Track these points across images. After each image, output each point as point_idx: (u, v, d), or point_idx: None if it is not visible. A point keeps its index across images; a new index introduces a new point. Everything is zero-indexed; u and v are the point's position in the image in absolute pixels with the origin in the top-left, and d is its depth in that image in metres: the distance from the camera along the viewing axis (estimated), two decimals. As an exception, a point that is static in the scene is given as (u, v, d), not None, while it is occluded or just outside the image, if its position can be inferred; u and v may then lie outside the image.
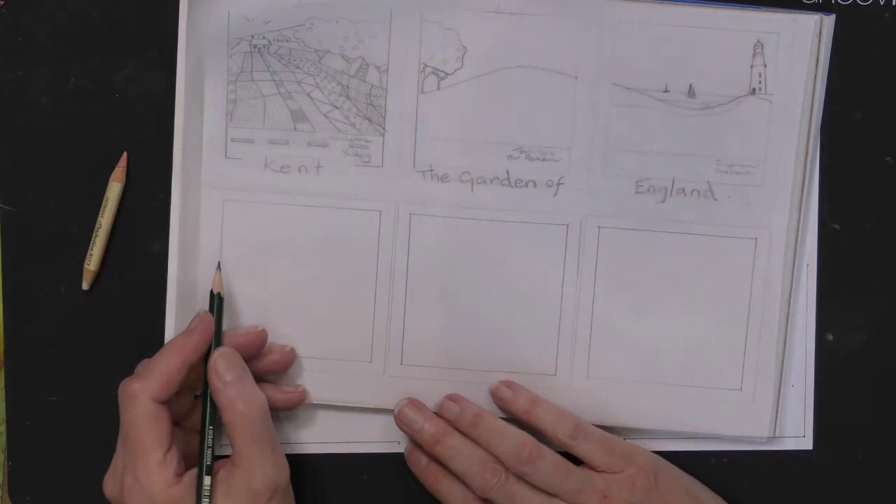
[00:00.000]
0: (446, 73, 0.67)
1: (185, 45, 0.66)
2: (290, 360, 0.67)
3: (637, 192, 0.68)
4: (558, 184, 0.67)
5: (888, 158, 0.69)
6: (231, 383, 0.62)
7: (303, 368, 0.68)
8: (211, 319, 0.64)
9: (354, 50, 0.66)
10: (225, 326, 0.66)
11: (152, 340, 0.68)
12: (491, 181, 0.67)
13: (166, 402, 0.62)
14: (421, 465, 0.67)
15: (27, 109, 0.68)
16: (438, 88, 0.67)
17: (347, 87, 0.67)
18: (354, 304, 0.68)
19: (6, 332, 0.69)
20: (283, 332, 0.68)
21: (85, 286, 0.68)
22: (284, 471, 0.63)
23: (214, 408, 0.63)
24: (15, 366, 0.69)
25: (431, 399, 0.68)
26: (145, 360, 0.63)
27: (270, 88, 0.67)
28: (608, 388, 0.68)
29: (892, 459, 0.70)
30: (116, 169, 0.68)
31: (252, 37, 0.66)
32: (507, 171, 0.67)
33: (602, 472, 0.65)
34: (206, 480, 0.61)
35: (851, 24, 0.67)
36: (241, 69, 0.66)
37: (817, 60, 0.67)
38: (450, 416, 0.66)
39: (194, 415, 0.66)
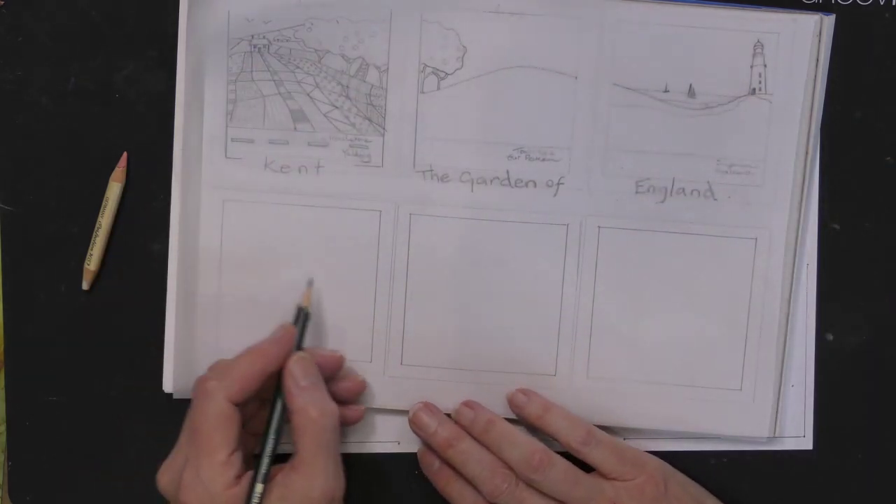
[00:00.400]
0: (446, 73, 0.67)
1: (185, 45, 0.66)
2: (361, 388, 0.67)
3: (637, 192, 0.68)
4: (558, 184, 0.67)
5: (888, 158, 0.69)
6: (306, 389, 0.62)
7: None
8: (294, 332, 0.64)
9: (354, 50, 0.66)
10: (227, 328, 0.66)
11: (152, 340, 0.68)
12: (491, 181, 0.67)
13: (238, 405, 0.62)
14: (433, 468, 0.67)
15: (27, 109, 0.68)
16: (438, 88, 0.67)
17: (347, 87, 0.67)
18: (354, 304, 0.68)
19: (6, 332, 0.69)
20: (283, 332, 0.68)
21: (85, 286, 0.68)
22: (342, 485, 0.62)
23: (282, 416, 0.63)
24: (15, 366, 0.69)
25: (431, 399, 0.68)
26: (223, 360, 0.63)
27: (270, 88, 0.67)
28: (608, 388, 0.68)
29: (892, 459, 0.70)
30: (116, 169, 0.68)
31: (252, 37, 0.66)
32: (507, 171, 0.67)
33: (612, 479, 0.65)
34: (259, 488, 0.60)
35: (851, 24, 0.68)
36: (241, 69, 0.66)
37: (817, 60, 0.67)
38: (464, 421, 0.67)
39: (256, 419, 0.65)
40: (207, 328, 0.67)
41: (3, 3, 0.67)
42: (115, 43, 0.68)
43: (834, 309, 0.69)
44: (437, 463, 0.67)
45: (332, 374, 0.66)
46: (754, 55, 0.67)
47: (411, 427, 0.67)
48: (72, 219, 0.68)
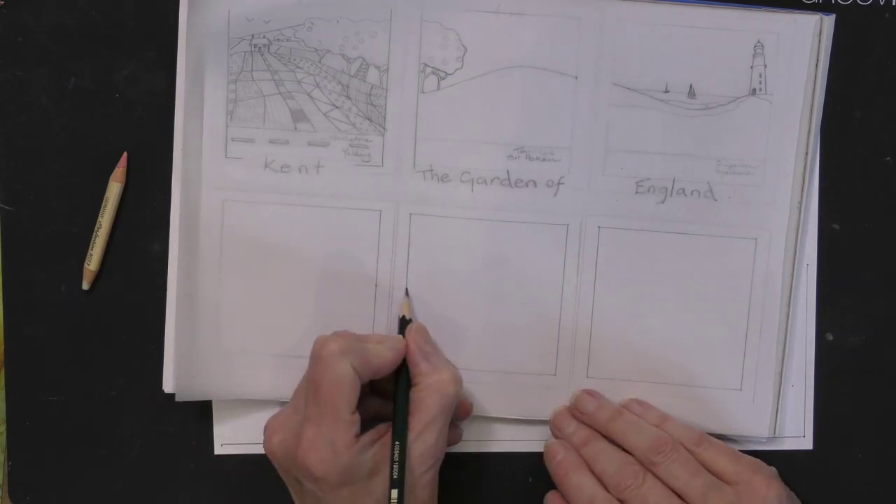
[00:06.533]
0: (446, 73, 0.67)
1: (185, 45, 0.66)
2: (469, 411, 0.68)
3: (637, 192, 0.68)
4: (558, 184, 0.67)
5: (888, 158, 0.69)
6: (431, 353, 0.65)
7: (303, 369, 0.68)
8: (405, 343, 0.65)
9: (355, 50, 0.66)
10: (227, 328, 0.66)
11: (152, 340, 0.68)
12: (491, 181, 0.67)
13: None
14: (556, 459, 0.67)
15: (27, 109, 0.68)
16: (438, 88, 0.67)
17: (348, 86, 0.67)
18: (354, 304, 0.68)
19: (6, 332, 0.69)
20: (283, 333, 0.68)
21: (85, 286, 0.68)
22: (444, 451, 0.64)
23: (405, 420, 0.62)
24: (15, 366, 0.69)
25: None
26: (352, 335, 0.64)
27: (271, 88, 0.67)
28: (608, 388, 0.68)
29: (892, 459, 0.70)
30: (116, 169, 0.68)
31: (252, 36, 0.66)
32: (507, 171, 0.67)
33: (727, 482, 0.65)
34: (394, 494, 0.61)
35: (851, 24, 0.68)
36: (242, 69, 0.66)
37: (817, 60, 0.67)
38: (587, 408, 0.67)
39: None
40: (207, 328, 0.67)
41: (2, 3, 0.67)
42: (115, 43, 0.68)
43: (834, 309, 0.69)
44: (561, 454, 0.67)
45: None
46: (754, 55, 0.67)
47: (551, 428, 0.68)
48: (72, 219, 0.68)
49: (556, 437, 0.68)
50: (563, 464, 0.66)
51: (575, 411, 0.68)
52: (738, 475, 0.65)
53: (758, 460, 0.66)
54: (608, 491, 0.64)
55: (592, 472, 0.66)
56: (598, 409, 0.67)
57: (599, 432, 0.67)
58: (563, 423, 0.68)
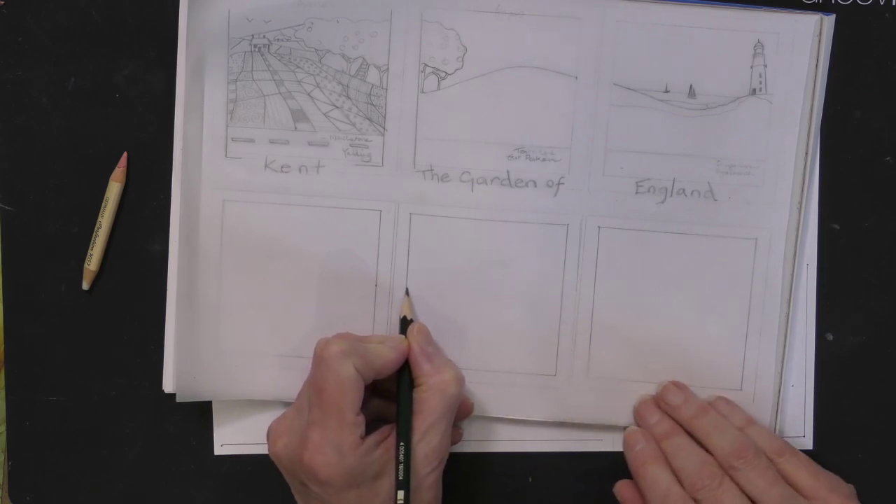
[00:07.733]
0: (446, 73, 0.67)
1: (185, 45, 0.66)
2: (469, 410, 0.68)
3: (637, 193, 0.68)
4: (558, 184, 0.67)
5: (888, 158, 0.69)
6: (434, 354, 0.65)
7: (303, 370, 0.68)
8: (407, 343, 0.65)
9: (355, 49, 0.66)
10: (227, 328, 0.66)
11: (152, 340, 0.68)
12: (491, 181, 0.67)
13: None
14: (636, 448, 0.66)
15: (27, 109, 0.68)
16: (438, 88, 0.67)
17: (348, 86, 0.67)
18: (355, 304, 0.68)
19: (6, 333, 0.69)
20: (283, 333, 0.68)
21: (85, 286, 0.68)
22: (448, 451, 0.64)
23: (409, 420, 0.63)
24: (15, 366, 0.69)
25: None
26: (350, 335, 0.64)
27: (271, 88, 0.67)
28: (608, 388, 0.68)
29: (892, 459, 0.70)
30: (116, 169, 0.68)
31: (252, 36, 0.66)
32: (507, 171, 0.67)
33: (806, 497, 0.64)
34: (400, 495, 0.61)
35: (851, 24, 0.68)
36: (242, 69, 0.66)
37: (817, 60, 0.67)
38: (673, 401, 0.67)
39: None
40: (207, 328, 0.67)
41: (2, 3, 0.67)
42: (115, 43, 0.68)
43: (834, 309, 0.69)
44: (641, 443, 0.66)
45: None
46: (754, 55, 0.67)
47: (634, 415, 0.68)
48: (72, 219, 0.68)
49: (638, 425, 0.68)
50: (642, 454, 0.66)
51: (660, 402, 0.67)
52: (815, 490, 0.64)
53: (838, 478, 0.65)
54: (683, 488, 0.64)
55: (670, 466, 0.65)
56: (684, 403, 0.67)
57: (682, 426, 0.66)
58: (647, 412, 0.67)
